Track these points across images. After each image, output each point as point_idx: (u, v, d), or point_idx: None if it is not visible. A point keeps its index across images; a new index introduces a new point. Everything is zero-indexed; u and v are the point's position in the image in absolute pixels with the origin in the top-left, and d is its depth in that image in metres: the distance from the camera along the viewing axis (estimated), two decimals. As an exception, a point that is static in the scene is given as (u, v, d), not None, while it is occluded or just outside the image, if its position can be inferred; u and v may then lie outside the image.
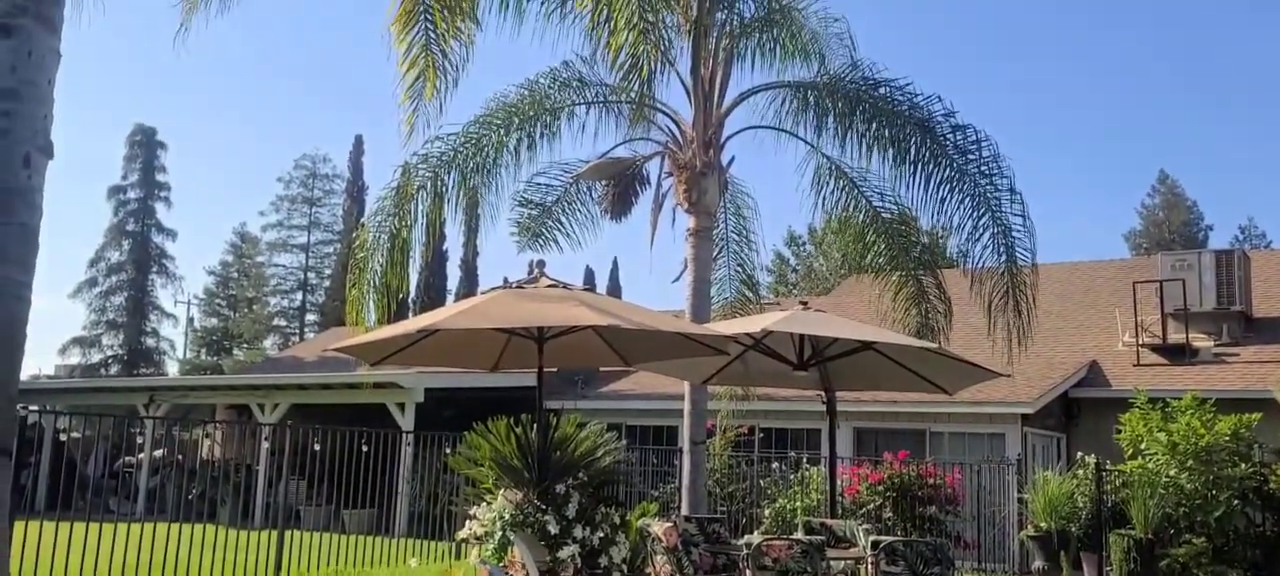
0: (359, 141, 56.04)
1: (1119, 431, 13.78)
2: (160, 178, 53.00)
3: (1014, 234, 12.02)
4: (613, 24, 8.14)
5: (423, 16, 8.76)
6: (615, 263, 55.05)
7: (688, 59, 12.73)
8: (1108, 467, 13.93)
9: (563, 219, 13.85)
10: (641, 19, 7.94)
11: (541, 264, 7.21)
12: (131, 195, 52.64)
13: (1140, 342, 19.29)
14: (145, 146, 52.75)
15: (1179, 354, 18.98)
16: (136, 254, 52.12)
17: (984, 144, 11.93)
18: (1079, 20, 69.09)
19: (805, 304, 9.18)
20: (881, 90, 12.65)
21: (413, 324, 6.86)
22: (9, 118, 4.55)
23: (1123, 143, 70.20)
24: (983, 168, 11.93)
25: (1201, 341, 19.28)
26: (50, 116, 4.77)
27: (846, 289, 24.69)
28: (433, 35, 8.83)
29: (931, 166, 11.99)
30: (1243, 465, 12.82)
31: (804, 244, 50.85)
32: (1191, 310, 19.19)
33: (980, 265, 12.19)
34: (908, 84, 12.41)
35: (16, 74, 4.59)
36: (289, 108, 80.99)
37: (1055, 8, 69.61)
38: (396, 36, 9.05)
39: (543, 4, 12.73)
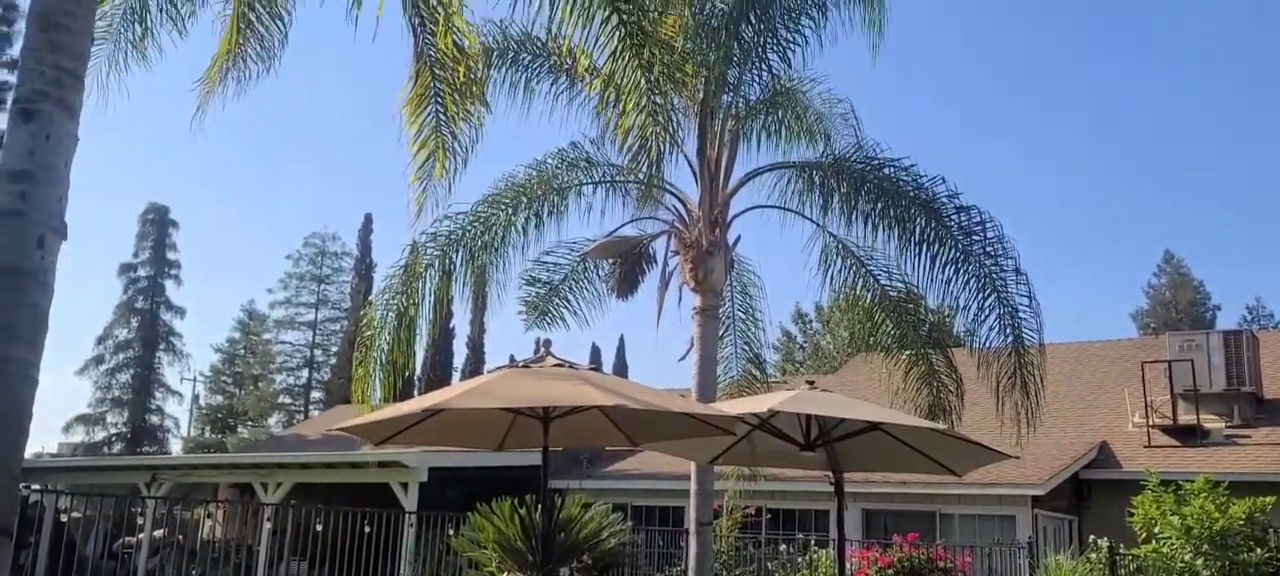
0: (368, 220, 56.54)
1: (1131, 514, 13.58)
2: (171, 255, 53.46)
3: (1020, 315, 12.01)
4: (621, 106, 8.26)
5: (433, 99, 8.91)
6: (622, 340, 55.00)
7: (694, 140, 12.91)
8: (1121, 552, 13.70)
9: (569, 297, 13.92)
10: (650, 101, 8.06)
11: (548, 343, 7.21)
12: (142, 273, 53.02)
13: (1150, 423, 19.12)
14: (157, 224, 53.29)
15: (1190, 435, 18.80)
16: (144, 331, 52.28)
17: (988, 225, 11.99)
18: (1082, 99, 69.95)
19: (812, 383, 9.12)
20: (886, 171, 12.76)
21: (418, 403, 6.84)
22: (25, 200, 4.62)
23: (1127, 223, 70.50)
24: (988, 249, 11.98)
25: (1212, 423, 19.11)
26: (65, 198, 4.85)
27: (854, 367, 24.60)
28: (443, 118, 8.97)
29: (937, 247, 12.04)
30: (1259, 550, 12.60)
31: (811, 322, 50.82)
32: (1201, 391, 19.06)
33: (987, 345, 12.16)
34: (912, 165, 12.54)
35: (35, 158, 4.68)
36: (300, 186, 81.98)
37: (1057, 87, 70.58)
38: (407, 118, 9.19)
39: (552, 85, 12.99)
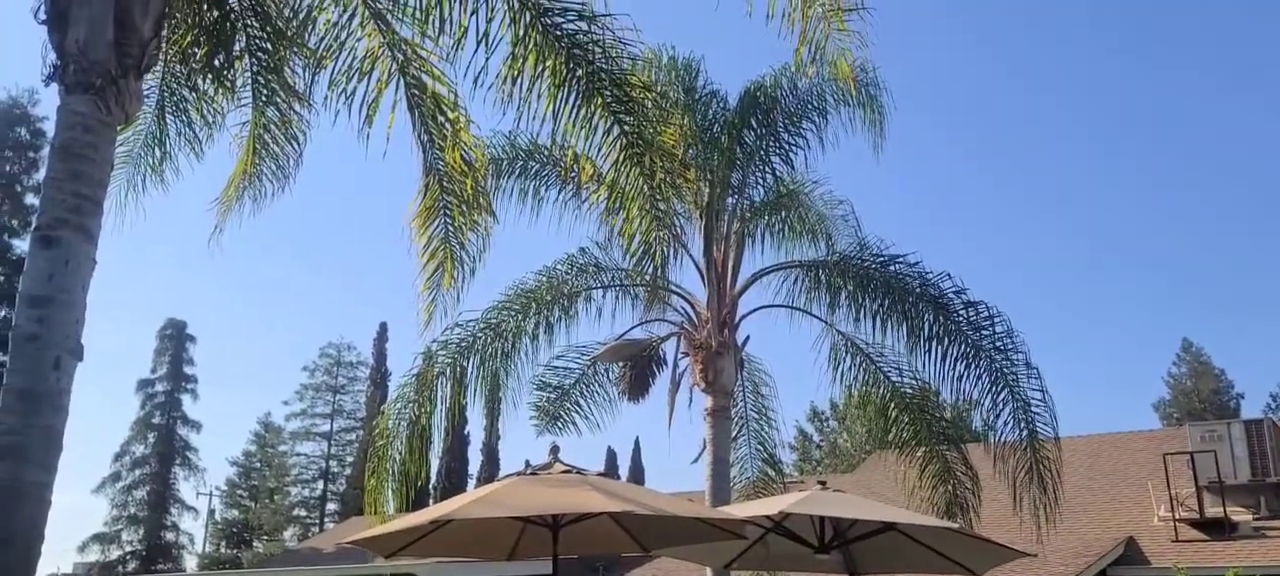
0: (383, 328, 56.84)
1: (1162, 611, 13.22)
2: (188, 370, 53.74)
3: (1033, 409, 11.92)
4: (625, 212, 8.43)
5: (442, 212, 9.12)
6: (637, 443, 54.56)
7: (700, 242, 13.10)
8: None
9: (581, 401, 13.94)
10: (654, 207, 8.24)
11: (556, 449, 7.23)
12: (159, 388, 53.24)
13: (1177, 517, 18.74)
14: (175, 340, 53.74)
15: (1218, 528, 18.40)
16: (161, 447, 52.25)
17: (997, 320, 12.00)
18: (1096, 191, 70.38)
19: (824, 484, 9.05)
20: (893, 268, 12.86)
21: (426, 514, 6.84)
22: (42, 324, 4.77)
23: (1143, 311, 70.16)
24: (997, 343, 11.96)
25: (1240, 514, 18.72)
26: (82, 321, 5.00)
27: (872, 465, 24.31)
28: (451, 229, 9.17)
29: (946, 342, 12.04)
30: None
31: (827, 420, 50.37)
32: (1225, 482, 18.72)
33: (1002, 440, 12.05)
34: (918, 261, 12.62)
35: (53, 282, 4.85)
36: (316, 296, 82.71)
37: (1075, 174, 71.11)
38: (417, 231, 9.40)
39: (559, 192, 13.26)
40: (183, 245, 75.94)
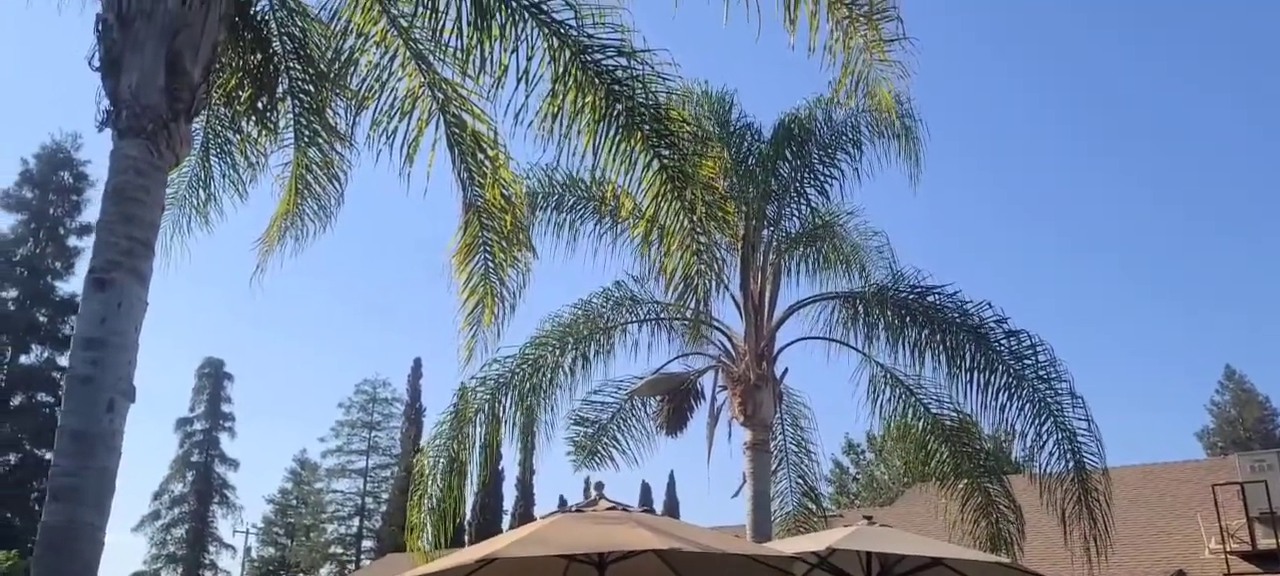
0: (417, 364, 57.10)
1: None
2: (226, 408, 54.27)
3: (1079, 439, 11.70)
4: (665, 246, 8.41)
5: (482, 248, 9.15)
6: (672, 477, 54.25)
7: (737, 275, 13.04)
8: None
9: (618, 436, 13.88)
10: (694, 241, 8.22)
11: (600, 486, 7.17)
12: (197, 427, 53.80)
13: (1228, 549, 18.28)
14: (213, 378, 54.33)
15: (1270, 560, 17.90)
16: (199, 485, 52.70)
17: (1039, 349, 11.81)
18: (1128, 219, 69.55)
19: (870, 519, 8.92)
20: (931, 298, 12.72)
21: (471, 553, 6.80)
22: (96, 366, 4.82)
23: (1183, 338, 68.97)
24: (1040, 372, 11.77)
25: (1293, 545, 18.22)
26: (134, 362, 5.04)
27: (911, 498, 23.99)
28: (491, 265, 9.20)
29: (987, 373, 11.87)
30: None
31: (863, 452, 49.82)
32: (1277, 513, 18.24)
33: (1047, 471, 11.82)
34: (957, 292, 12.49)
35: (107, 325, 4.90)
36: (352, 332, 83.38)
37: (1106, 204, 70.36)
38: (457, 267, 9.43)
39: (596, 225, 13.28)
40: (221, 283, 77.00)
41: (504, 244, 9.09)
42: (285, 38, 8.27)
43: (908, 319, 12.66)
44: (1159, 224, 68.38)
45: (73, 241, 33.57)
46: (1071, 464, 11.77)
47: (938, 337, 12.35)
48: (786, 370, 13.24)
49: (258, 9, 7.85)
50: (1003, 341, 12.13)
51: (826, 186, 13.36)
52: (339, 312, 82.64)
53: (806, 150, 13.35)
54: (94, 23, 5.52)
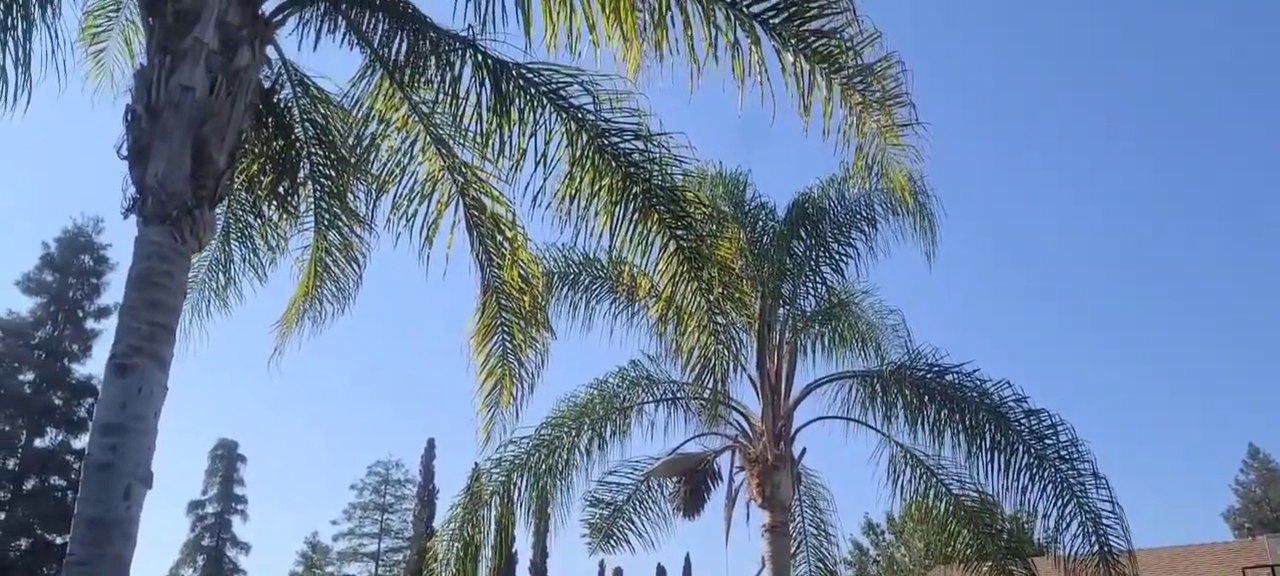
0: (431, 445, 56.78)
1: None
2: (238, 491, 53.91)
3: (1104, 520, 11.46)
4: (683, 327, 8.41)
5: (500, 329, 9.17)
6: (688, 560, 53.44)
7: (753, 354, 12.99)
8: None
9: (634, 518, 13.71)
10: (711, 322, 8.21)
11: (619, 572, 7.06)
12: (209, 510, 53.42)
13: (1262, 632, 17.79)
14: (226, 460, 54.12)
15: (1307, 643, 17.41)
16: (210, 569, 52.13)
17: (1060, 428, 11.65)
18: (1152, 302, 69.25)
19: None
20: (949, 377, 12.62)
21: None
22: (114, 452, 4.81)
23: (1205, 417, 68.07)
24: (1062, 453, 11.59)
25: (1330, 628, 17.72)
26: (152, 448, 5.03)
27: (932, 581, 23.51)
28: (509, 346, 9.20)
29: (1008, 453, 11.70)
30: None
31: (883, 534, 48.96)
32: (1312, 594, 17.79)
33: (1072, 554, 11.57)
34: (976, 370, 12.38)
35: (127, 410, 4.89)
36: (366, 414, 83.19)
37: (1121, 282, 70.12)
38: (475, 348, 9.44)
39: (612, 304, 13.29)
40: (237, 364, 77.24)
41: (522, 325, 9.11)
42: (308, 124, 8.42)
43: (926, 398, 12.54)
44: (1175, 301, 68.05)
45: (91, 324, 33.79)
46: (1096, 546, 11.52)
47: (957, 417, 12.21)
48: (805, 450, 13.12)
49: (281, 97, 8.01)
50: (1023, 420, 11.98)
51: (841, 264, 13.36)
52: (353, 393, 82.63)
53: (820, 229, 13.39)
54: (124, 114, 5.64)
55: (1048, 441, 11.84)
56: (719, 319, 8.18)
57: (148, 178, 5.39)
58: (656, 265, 8.14)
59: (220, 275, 9.77)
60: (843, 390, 13.44)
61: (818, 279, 13.46)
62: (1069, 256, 69.08)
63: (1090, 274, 68.58)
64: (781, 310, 13.43)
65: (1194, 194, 66.99)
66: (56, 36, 6.84)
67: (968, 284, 70.55)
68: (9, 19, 6.33)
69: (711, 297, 8.07)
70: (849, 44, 6.38)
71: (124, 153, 5.56)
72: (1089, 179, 68.08)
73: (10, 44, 6.38)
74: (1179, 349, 68.99)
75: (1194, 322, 68.68)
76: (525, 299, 8.83)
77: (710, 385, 8.47)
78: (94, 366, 33.18)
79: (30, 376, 32.79)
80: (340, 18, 7.47)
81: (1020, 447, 11.84)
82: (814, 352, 14.17)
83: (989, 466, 11.96)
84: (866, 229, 13.19)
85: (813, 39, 6.43)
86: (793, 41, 6.40)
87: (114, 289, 33.91)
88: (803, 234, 13.35)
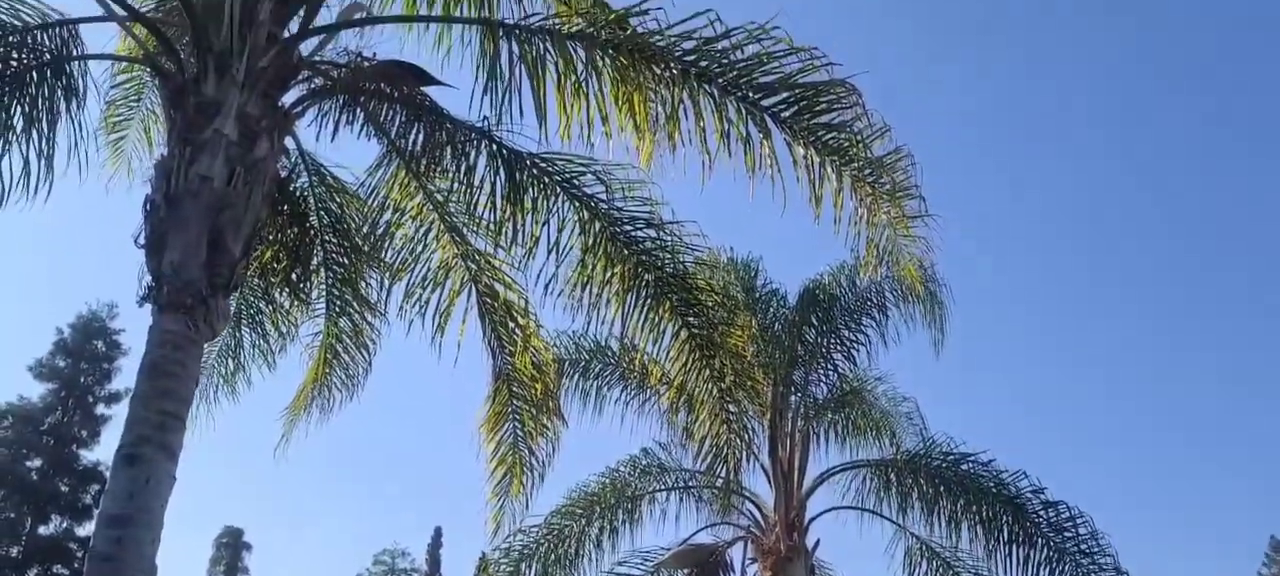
0: (438, 534, 55.93)
1: None
2: (243, 580, 53.08)
3: (1127, 616, 11.17)
4: (695, 415, 8.35)
5: (511, 417, 9.12)
6: (698, 653, 52.04)
7: (765, 442, 12.86)
8: None
9: (646, 610, 13.43)
10: (724, 410, 8.15)
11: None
12: (214, 599, 52.54)
13: None
14: (231, 548, 53.40)
15: None
16: (212, 663, 51.09)
17: (1079, 521, 11.42)
18: (1169, 382, 68.68)
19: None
20: (965, 466, 12.45)
21: None
22: (119, 545, 4.74)
23: (1225, 509, 66.87)
24: (1082, 546, 11.35)
25: None
26: (158, 540, 4.96)
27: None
28: (520, 434, 9.14)
29: (1027, 547, 11.46)
30: None
31: (898, 626, 47.81)
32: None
33: (1097, 650, 11.25)
34: (991, 460, 12.22)
35: (134, 501, 4.84)
36: (371, 501, 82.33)
37: (1144, 366, 69.61)
38: (485, 437, 9.38)
39: (623, 391, 13.22)
40: (243, 451, 76.79)
41: (534, 412, 9.06)
42: (323, 212, 8.50)
43: (942, 488, 12.35)
44: (1199, 385, 67.42)
45: (101, 409, 33.68)
46: (1118, 641, 11.21)
47: (974, 508, 12.00)
48: (818, 542, 12.89)
49: (298, 185, 8.10)
50: (1041, 512, 11.76)
51: (853, 351, 13.34)
52: (360, 480, 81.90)
53: (832, 315, 13.40)
54: (143, 203, 5.70)
55: (1067, 534, 11.61)
56: (731, 407, 8.12)
57: (164, 266, 5.42)
58: (668, 352, 8.12)
59: (229, 361, 9.77)
60: (857, 479, 13.29)
61: (830, 366, 13.43)
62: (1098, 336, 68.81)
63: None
64: (794, 397, 13.34)
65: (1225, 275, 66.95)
66: (80, 127, 6.95)
67: (1003, 357, 70.10)
68: (35, 112, 6.45)
69: (723, 386, 8.02)
70: (859, 137, 6.45)
71: (141, 242, 5.61)
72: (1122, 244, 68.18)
73: (35, 137, 6.48)
74: (1206, 437, 68.12)
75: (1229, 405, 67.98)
76: (537, 386, 8.79)
77: (723, 474, 8.37)
78: (102, 452, 32.98)
79: (38, 463, 32.64)
80: (359, 110, 7.60)
81: (1039, 540, 11.60)
82: (827, 441, 14.06)
83: (1008, 560, 11.70)
84: (878, 316, 13.20)
85: (823, 132, 6.51)
86: (803, 134, 6.48)
87: (125, 374, 33.88)
88: (814, 320, 13.35)
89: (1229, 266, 66.57)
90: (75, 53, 6.78)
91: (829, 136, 6.56)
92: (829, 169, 6.57)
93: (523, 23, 6.89)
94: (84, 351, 34.07)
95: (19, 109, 6.55)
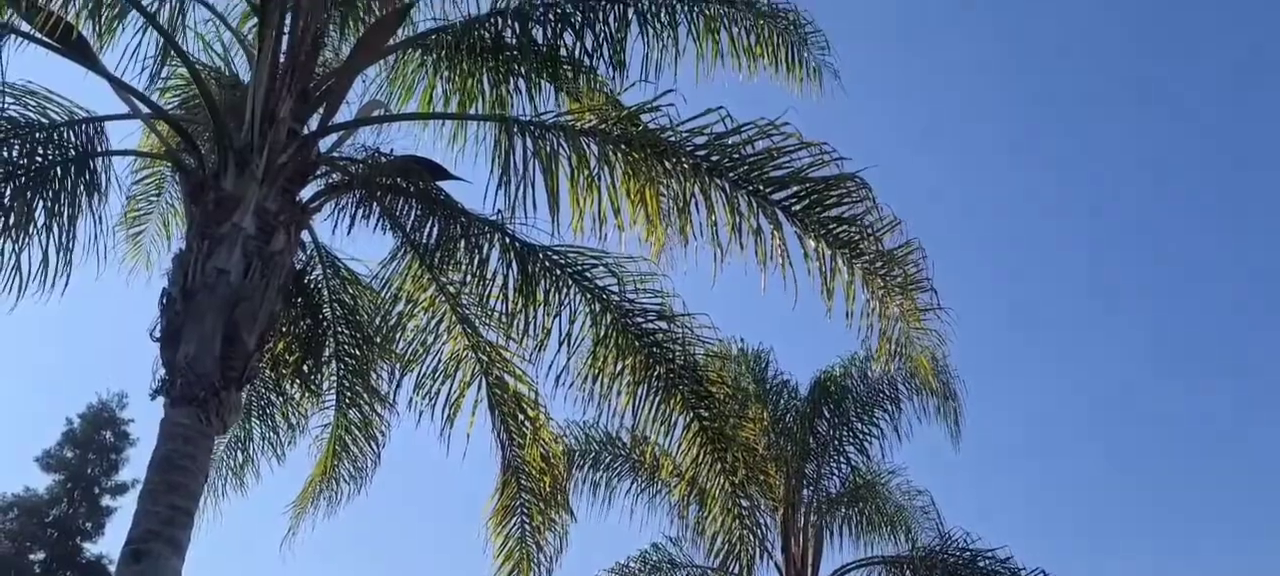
0: (443, 631, 54.84)
1: None
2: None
3: None
4: (707, 510, 8.26)
5: (519, 510, 9.02)
6: None
7: (777, 536, 12.68)
8: None
9: None
10: (736, 504, 8.06)
11: None
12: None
13: None
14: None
15: None
16: None
17: (1102, 618, 11.18)
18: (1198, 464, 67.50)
19: None
20: (981, 563, 12.27)
21: None
22: (123, 643, 4.67)
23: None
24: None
25: None
26: (163, 637, 4.88)
27: None
28: (528, 528, 9.03)
29: (1050, 646, 11.21)
30: None
31: None
32: None
33: None
34: (1009, 557, 12.05)
35: (139, 598, 4.79)
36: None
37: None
38: (492, 530, 9.25)
39: (632, 483, 13.09)
40: (249, 544, 75.65)
41: (542, 506, 8.96)
42: (336, 304, 8.55)
43: (959, 585, 12.14)
44: (1234, 477, 66.21)
45: (107, 500, 33.33)
46: None
47: (993, 606, 11.78)
48: (833, 641, 12.61)
49: (312, 277, 8.17)
50: (1062, 610, 11.52)
51: (866, 444, 13.25)
52: (366, 572, 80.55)
53: (844, 408, 13.35)
54: (159, 297, 5.76)
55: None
56: (744, 502, 8.03)
57: (178, 359, 5.44)
58: (679, 445, 8.06)
59: (238, 454, 9.72)
60: (872, 576, 13.07)
61: (842, 459, 13.33)
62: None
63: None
64: (806, 491, 13.22)
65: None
66: (100, 221, 7.05)
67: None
68: (57, 207, 6.56)
69: (736, 480, 7.94)
70: (870, 230, 6.50)
71: (156, 335, 5.65)
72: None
73: (56, 231, 6.58)
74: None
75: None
76: (546, 480, 8.71)
77: (735, 572, 8.22)
78: (106, 545, 32.59)
79: (41, 556, 32.27)
80: (375, 204, 7.71)
81: (1060, 639, 11.34)
82: (841, 536, 13.86)
83: (1030, 662, 11.45)
84: (890, 408, 13.14)
85: (834, 225, 6.56)
86: (814, 227, 6.54)
87: (133, 465, 33.70)
88: (826, 412, 13.30)
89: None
90: (99, 149, 6.92)
91: (840, 229, 6.61)
92: (840, 261, 6.60)
93: (536, 120, 7.02)
94: (92, 442, 33.93)
95: (41, 204, 6.65)
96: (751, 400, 12.59)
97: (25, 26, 6.13)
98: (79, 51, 6.22)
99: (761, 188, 6.63)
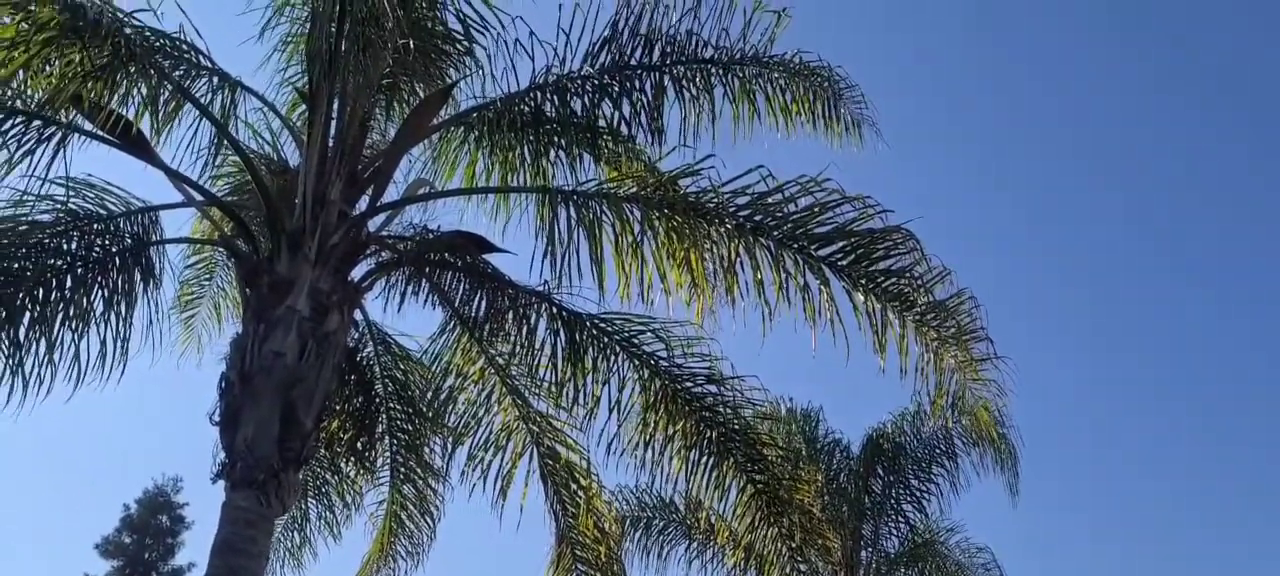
0: None
1: None
2: None
3: None
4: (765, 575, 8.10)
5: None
6: None
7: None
8: None
9: None
10: (794, 569, 7.92)
11: None
12: None
13: None
14: None
15: None
16: None
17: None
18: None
19: None
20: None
21: None
22: None
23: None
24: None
25: None
26: None
27: None
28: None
29: None
30: None
31: None
32: None
33: None
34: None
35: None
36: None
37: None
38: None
39: (687, 548, 12.89)
40: (300, 623, 75.54)
41: (597, 575, 8.86)
42: (388, 380, 8.62)
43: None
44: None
45: (156, 586, 33.61)
46: None
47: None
48: None
49: (364, 355, 8.26)
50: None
51: (923, 501, 13.00)
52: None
53: (899, 464, 13.13)
54: (217, 381, 5.85)
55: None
56: (802, 566, 7.88)
57: (237, 442, 5.51)
58: (735, 509, 7.96)
59: (295, 534, 9.75)
60: (936, 639, 12.70)
61: (900, 518, 13.08)
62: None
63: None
64: (864, 553, 12.94)
65: None
66: (156, 307, 7.19)
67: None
68: (114, 297, 6.70)
69: (793, 544, 7.81)
70: (920, 282, 6.43)
71: (216, 419, 5.72)
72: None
73: (113, 320, 6.71)
74: None
75: None
76: (601, 548, 8.63)
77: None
78: (162, 630, 32.73)
79: (100, 642, 32.44)
80: (424, 280, 7.80)
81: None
82: (902, 598, 13.52)
83: None
84: (947, 463, 12.90)
85: (882, 278, 6.50)
86: (863, 282, 6.49)
87: (189, 548, 33.92)
88: (880, 470, 13.10)
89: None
90: (155, 237, 7.09)
91: (888, 282, 6.55)
92: (891, 315, 6.53)
93: (579, 188, 7.08)
94: (149, 526, 34.26)
95: (100, 294, 6.82)
96: (804, 461, 12.42)
97: (88, 125, 6.33)
98: (138, 146, 6.41)
99: (807, 244, 6.61)
